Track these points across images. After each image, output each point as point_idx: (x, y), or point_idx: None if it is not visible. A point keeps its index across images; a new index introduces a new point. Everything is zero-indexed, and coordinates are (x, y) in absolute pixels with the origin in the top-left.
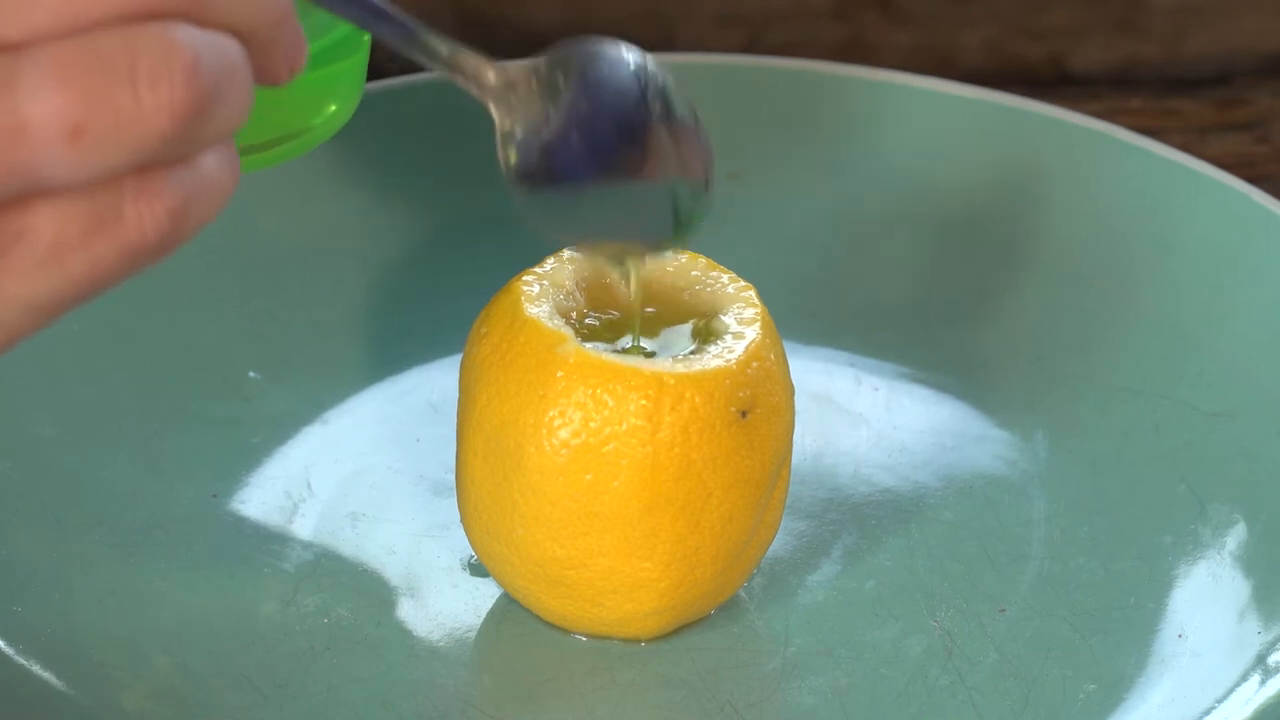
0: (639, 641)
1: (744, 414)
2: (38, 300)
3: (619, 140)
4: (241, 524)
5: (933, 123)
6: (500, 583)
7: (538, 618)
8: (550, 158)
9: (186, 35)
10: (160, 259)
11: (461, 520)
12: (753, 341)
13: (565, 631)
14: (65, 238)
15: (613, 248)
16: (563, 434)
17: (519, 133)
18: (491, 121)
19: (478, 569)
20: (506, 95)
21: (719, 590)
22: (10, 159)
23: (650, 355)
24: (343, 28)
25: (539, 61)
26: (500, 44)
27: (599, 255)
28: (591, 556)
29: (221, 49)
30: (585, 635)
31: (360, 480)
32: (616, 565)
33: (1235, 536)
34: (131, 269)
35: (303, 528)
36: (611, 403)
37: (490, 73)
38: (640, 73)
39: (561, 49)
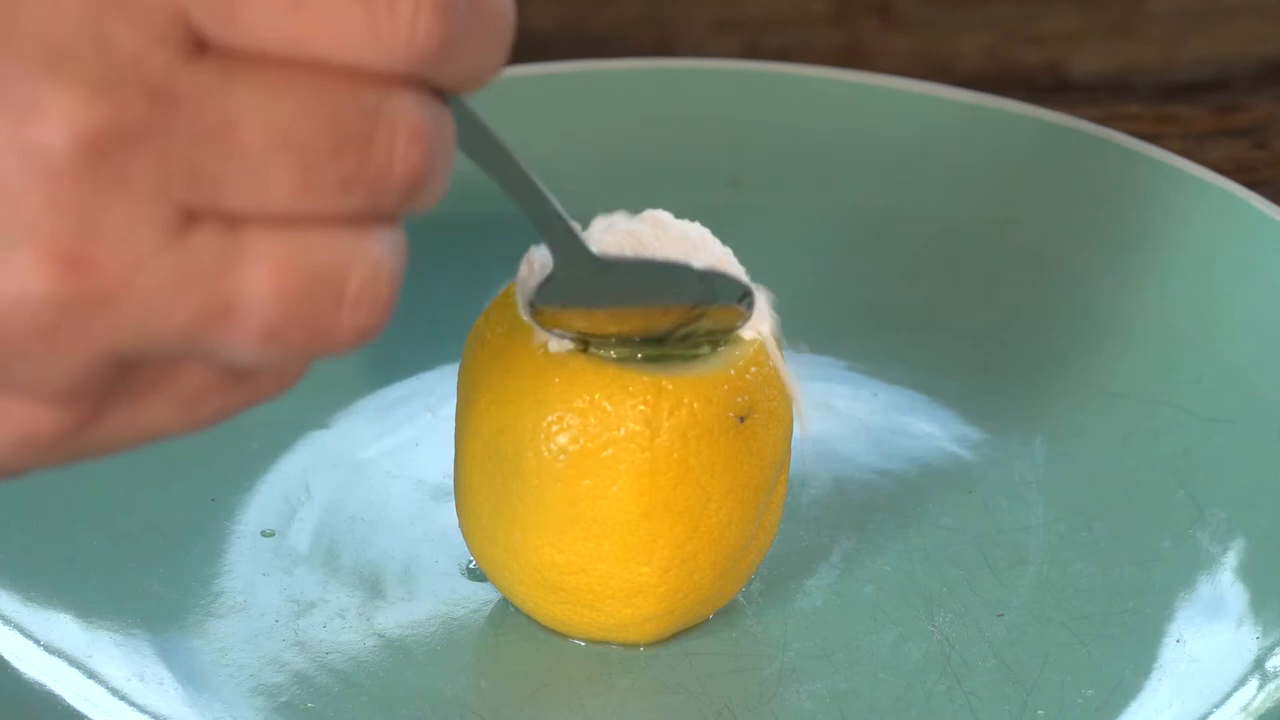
0: (637, 646)
1: (742, 419)
2: (156, 431)
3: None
4: (239, 528)
5: (931, 128)
6: (498, 588)
7: (536, 623)
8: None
9: (394, 249)
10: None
11: (460, 525)
12: (751, 346)
13: (563, 636)
14: (208, 389)
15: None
16: (561, 439)
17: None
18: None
19: (476, 574)
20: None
21: (717, 595)
22: (198, 334)
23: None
24: None
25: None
26: None
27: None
28: (590, 561)
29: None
30: (583, 640)
31: (358, 485)
32: (615, 570)
33: (1234, 542)
34: (246, 410)
35: (301, 532)
36: (609, 408)
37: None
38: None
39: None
